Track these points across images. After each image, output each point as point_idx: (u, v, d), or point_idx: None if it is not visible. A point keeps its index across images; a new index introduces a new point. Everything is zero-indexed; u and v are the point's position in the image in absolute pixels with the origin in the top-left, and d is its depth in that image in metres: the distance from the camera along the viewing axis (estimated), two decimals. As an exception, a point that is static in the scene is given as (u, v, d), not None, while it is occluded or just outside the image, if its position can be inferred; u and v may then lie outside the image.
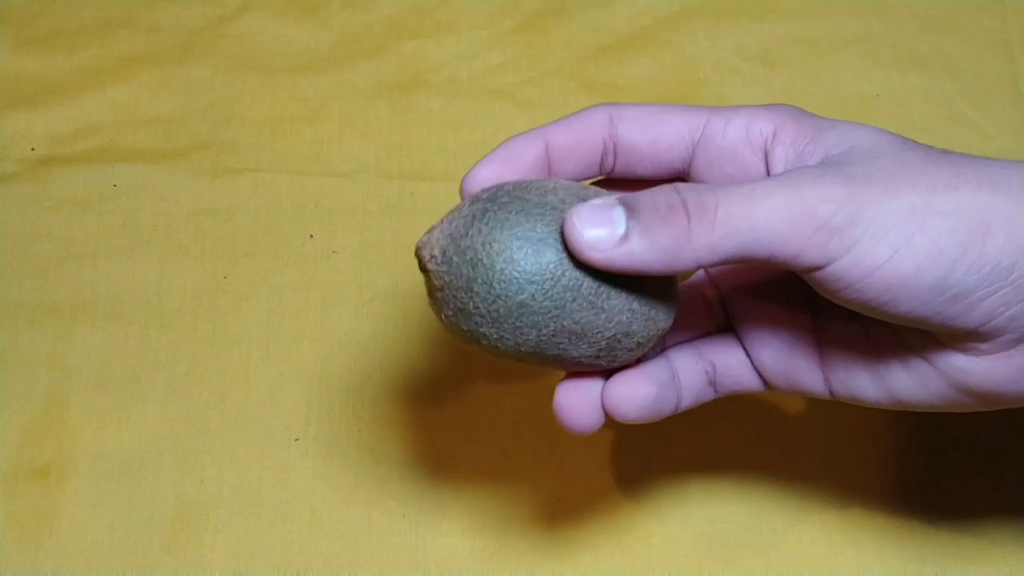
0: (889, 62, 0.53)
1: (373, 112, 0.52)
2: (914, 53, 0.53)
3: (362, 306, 0.47)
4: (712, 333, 0.36)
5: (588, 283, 0.30)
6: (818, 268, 0.29)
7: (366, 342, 0.46)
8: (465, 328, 0.31)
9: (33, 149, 0.50)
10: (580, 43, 0.54)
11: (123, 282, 0.47)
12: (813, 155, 0.31)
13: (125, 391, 0.45)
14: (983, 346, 0.30)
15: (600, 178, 0.36)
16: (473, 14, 0.54)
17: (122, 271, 0.47)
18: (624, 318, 0.31)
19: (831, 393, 0.34)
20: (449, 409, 0.44)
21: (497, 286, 0.30)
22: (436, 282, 0.31)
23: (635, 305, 0.31)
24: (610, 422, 0.33)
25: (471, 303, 0.30)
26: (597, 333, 0.30)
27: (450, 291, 0.31)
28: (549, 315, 0.30)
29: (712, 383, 0.35)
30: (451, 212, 0.32)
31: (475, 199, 0.31)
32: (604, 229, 0.29)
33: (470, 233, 0.30)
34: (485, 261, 0.30)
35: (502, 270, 0.30)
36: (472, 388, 0.45)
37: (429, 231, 0.32)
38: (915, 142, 0.31)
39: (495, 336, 0.30)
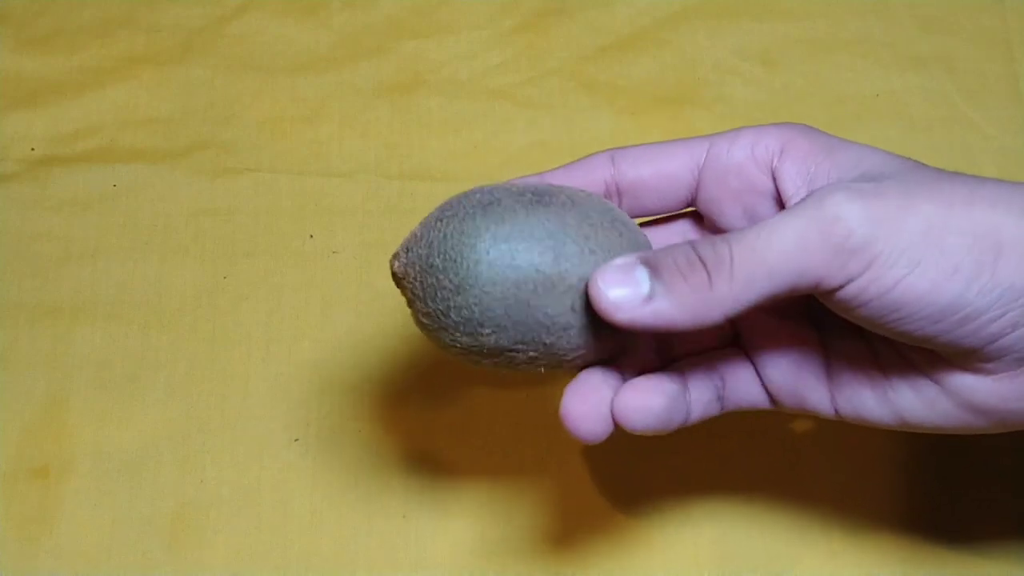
0: (889, 62, 0.53)
1: (373, 112, 0.52)
2: (914, 53, 0.53)
3: (362, 306, 0.47)
4: (722, 348, 0.35)
5: (531, 284, 0.30)
6: (839, 289, 0.29)
7: (366, 342, 0.46)
8: (430, 326, 0.32)
9: (33, 149, 0.50)
10: (580, 43, 0.54)
11: (123, 282, 0.47)
12: (827, 176, 0.31)
13: (125, 391, 0.45)
14: (989, 365, 0.30)
15: None
16: (473, 14, 0.54)
17: (122, 271, 0.47)
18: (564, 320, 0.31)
19: (837, 413, 0.34)
20: (449, 410, 0.44)
21: (448, 272, 0.31)
22: (405, 284, 0.32)
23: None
24: (617, 431, 0.33)
25: (430, 298, 0.31)
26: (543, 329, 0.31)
27: (416, 288, 0.32)
28: (499, 304, 0.30)
29: (720, 397, 0.35)
30: (421, 225, 0.33)
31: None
32: (628, 289, 0.29)
33: (428, 233, 0.32)
34: (437, 251, 0.31)
35: (452, 258, 0.31)
36: (472, 389, 0.45)
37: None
38: (926, 165, 0.31)
39: (454, 325, 0.31)
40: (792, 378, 0.34)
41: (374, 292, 0.47)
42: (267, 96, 0.52)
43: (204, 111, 0.51)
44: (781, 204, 0.33)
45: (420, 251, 0.32)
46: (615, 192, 0.35)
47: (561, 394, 0.35)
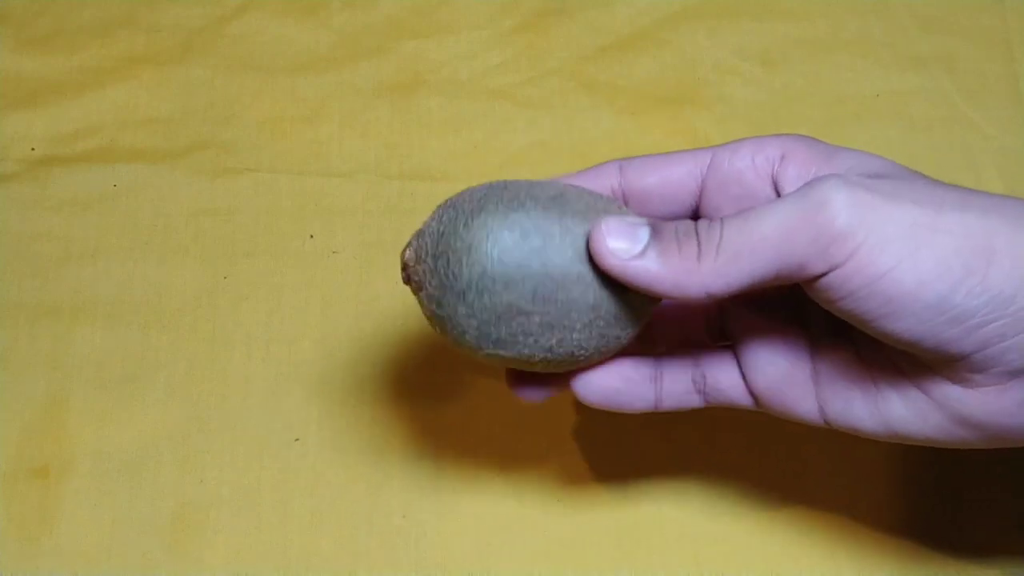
0: (889, 62, 0.53)
1: (373, 112, 0.51)
2: (914, 53, 0.53)
3: (362, 306, 0.47)
4: (709, 346, 0.36)
5: (544, 276, 0.31)
6: (821, 276, 0.29)
7: (366, 342, 0.46)
8: (439, 316, 0.32)
9: (33, 149, 0.50)
10: (580, 43, 0.54)
11: (123, 282, 0.47)
12: None
13: (125, 391, 0.45)
14: (976, 377, 0.30)
15: None
16: (473, 14, 0.54)
17: (122, 271, 0.47)
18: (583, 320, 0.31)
19: (825, 421, 0.34)
20: (449, 409, 0.44)
21: (462, 266, 0.31)
22: (413, 279, 0.32)
23: (600, 311, 0.31)
24: (621, 422, 0.33)
25: (441, 289, 0.31)
26: (557, 328, 0.31)
27: (426, 281, 0.32)
28: (505, 298, 0.30)
29: (700, 391, 0.35)
30: (432, 217, 0.33)
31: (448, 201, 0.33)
32: (627, 243, 0.30)
33: (441, 226, 0.31)
34: (453, 246, 0.31)
35: (471, 250, 0.30)
36: (472, 388, 0.45)
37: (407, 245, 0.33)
38: (925, 175, 0.32)
39: (463, 318, 0.31)
40: (779, 380, 0.34)
41: (374, 292, 0.47)
42: (267, 96, 0.52)
43: (204, 111, 0.51)
44: None
45: (431, 242, 0.32)
46: (622, 200, 0.35)
47: (561, 394, 0.35)
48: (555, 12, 0.54)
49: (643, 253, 0.30)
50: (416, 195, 0.49)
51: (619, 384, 0.34)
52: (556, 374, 0.34)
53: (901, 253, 0.28)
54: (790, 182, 0.33)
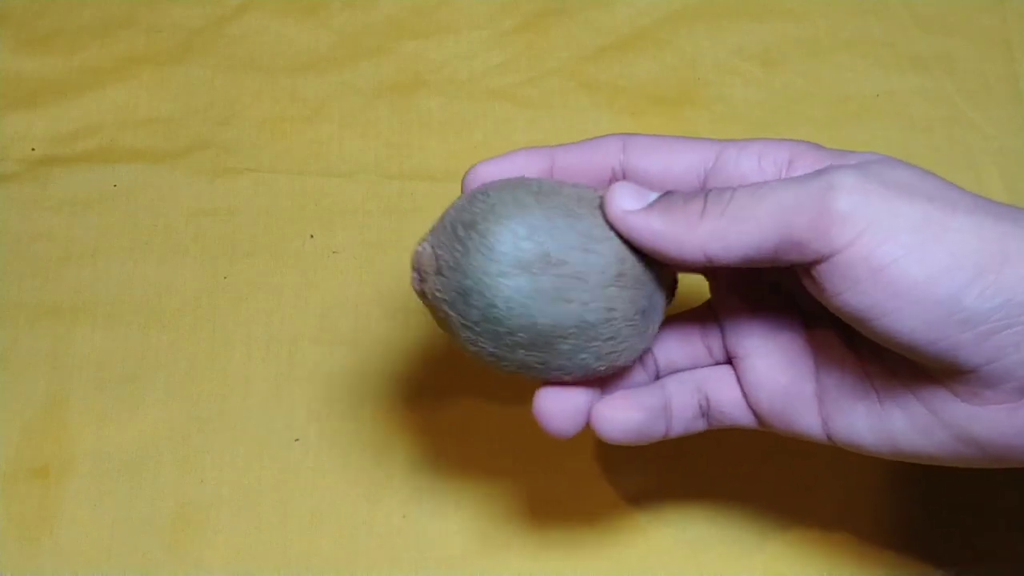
0: (889, 62, 0.53)
1: (373, 112, 0.52)
2: (914, 53, 0.53)
3: (362, 306, 0.47)
4: (709, 365, 0.35)
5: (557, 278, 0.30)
6: (822, 260, 0.28)
7: (366, 342, 0.46)
8: (456, 326, 0.31)
9: (33, 149, 0.50)
10: (580, 43, 0.54)
11: (123, 282, 0.47)
12: None
13: (125, 391, 0.45)
14: (987, 392, 0.29)
15: None
16: (473, 14, 0.54)
17: (122, 271, 0.47)
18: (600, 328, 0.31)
19: (828, 437, 0.33)
20: (449, 409, 0.44)
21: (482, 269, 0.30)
22: (426, 281, 0.32)
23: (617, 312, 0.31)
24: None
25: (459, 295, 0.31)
26: (576, 335, 0.31)
27: (439, 290, 0.31)
28: (526, 308, 0.30)
29: (704, 415, 0.35)
30: (442, 217, 0.32)
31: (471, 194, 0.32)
32: (634, 200, 0.31)
33: (454, 227, 0.31)
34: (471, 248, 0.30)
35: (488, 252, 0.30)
36: (472, 389, 0.45)
37: (419, 243, 0.32)
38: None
39: (485, 337, 0.31)
40: (782, 397, 0.33)
41: (374, 292, 0.47)
42: (267, 96, 0.52)
43: (204, 111, 0.51)
44: None
45: (445, 247, 0.31)
46: (620, 177, 0.34)
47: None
48: (555, 12, 0.54)
49: (647, 209, 0.31)
50: (416, 195, 0.49)
51: (643, 416, 0.33)
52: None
53: (909, 244, 0.27)
54: None
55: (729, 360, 0.35)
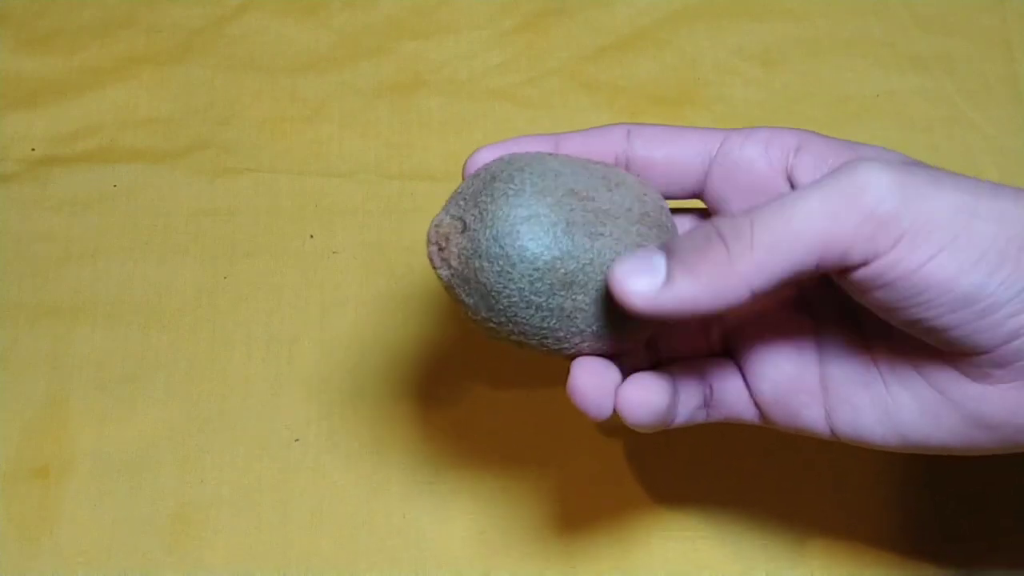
0: (889, 62, 0.53)
1: (373, 112, 0.52)
2: (914, 53, 0.53)
3: (362, 306, 0.47)
4: (712, 355, 0.35)
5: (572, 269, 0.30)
6: (863, 265, 0.28)
7: (366, 342, 0.46)
8: (475, 305, 0.31)
9: (33, 149, 0.50)
10: (580, 43, 0.54)
11: (123, 282, 0.47)
12: None
13: (125, 391, 0.45)
14: (998, 372, 0.29)
15: None
16: (473, 14, 0.54)
17: (122, 271, 0.47)
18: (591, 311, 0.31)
19: (832, 431, 0.32)
20: (449, 409, 0.44)
21: (498, 249, 0.30)
22: (451, 263, 0.31)
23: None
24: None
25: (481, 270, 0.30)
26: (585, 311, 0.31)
27: (463, 258, 0.31)
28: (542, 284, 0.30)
29: (706, 406, 0.34)
30: (453, 194, 0.32)
31: (477, 174, 0.32)
32: (646, 277, 0.28)
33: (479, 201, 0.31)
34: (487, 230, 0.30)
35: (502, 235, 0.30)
36: (472, 388, 0.45)
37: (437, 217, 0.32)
38: None
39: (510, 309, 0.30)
40: (783, 388, 0.33)
41: (374, 292, 0.47)
42: (267, 96, 0.52)
43: (204, 111, 0.51)
44: None
45: (464, 222, 0.31)
46: (624, 166, 0.34)
47: (561, 394, 0.35)
48: (555, 12, 0.54)
49: (669, 280, 0.28)
50: (416, 195, 0.49)
51: (667, 400, 0.31)
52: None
53: (943, 240, 0.27)
54: (807, 173, 0.31)
55: (727, 351, 0.35)
